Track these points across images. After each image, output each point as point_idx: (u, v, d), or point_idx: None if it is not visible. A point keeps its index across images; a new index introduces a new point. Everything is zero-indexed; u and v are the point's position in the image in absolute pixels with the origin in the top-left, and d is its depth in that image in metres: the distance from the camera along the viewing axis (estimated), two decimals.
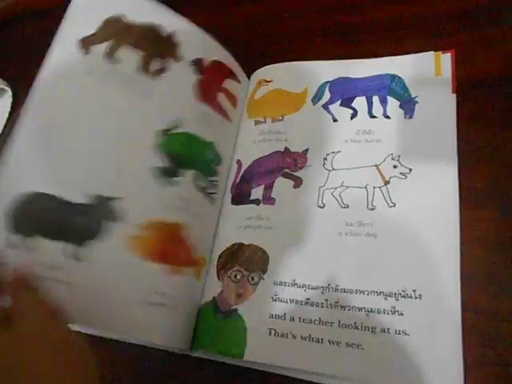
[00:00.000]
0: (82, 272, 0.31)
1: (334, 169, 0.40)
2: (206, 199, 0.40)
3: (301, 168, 0.41)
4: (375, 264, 0.35)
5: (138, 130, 0.36)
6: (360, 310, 0.33)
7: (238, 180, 0.43)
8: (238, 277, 0.38)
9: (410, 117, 0.40)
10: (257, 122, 0.45)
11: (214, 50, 0.43)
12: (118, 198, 0.34)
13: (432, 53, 0.42)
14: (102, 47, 0.35)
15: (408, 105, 0.40)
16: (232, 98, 0.45)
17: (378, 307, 0.33)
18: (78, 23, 0.36)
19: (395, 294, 0.33)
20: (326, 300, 0.35)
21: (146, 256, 0.34)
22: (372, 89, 0.43)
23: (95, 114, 0.35)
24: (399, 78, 0.42)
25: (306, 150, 0.41)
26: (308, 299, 0.35)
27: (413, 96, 0.41)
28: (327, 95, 0.44)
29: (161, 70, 0.37)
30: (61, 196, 0.32)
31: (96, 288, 0.32)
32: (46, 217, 0.32)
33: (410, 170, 0.37)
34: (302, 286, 0.36)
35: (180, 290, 0.37)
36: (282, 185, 0.40)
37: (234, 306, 0.36)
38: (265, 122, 0.44)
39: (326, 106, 0.43)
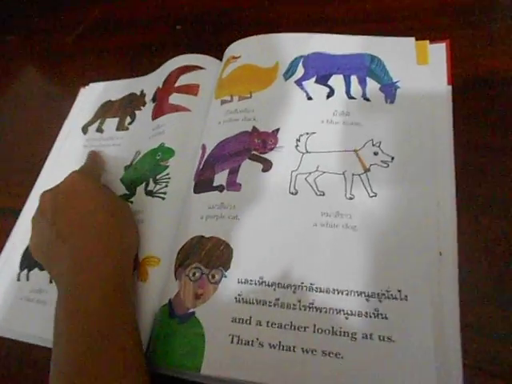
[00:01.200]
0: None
1: (308, 151, 0.35)
2: (154, 199, 0.38)
3: (270, 150, 0.36)
4: (354, 260, 0.30)
5: (111, 173, 0.43)
6: (338, 312, 0.29)
7: (201, 166, 0.37)
8: (197, 275, 0.32)
9: (392, 102, 0.36)
10: (223, 102, 0.39)
11: (164, 73, 0.46)
12: None
13: (412, 39, 0.39)
14: (95, 125, 0.48)
15: (389, 88, 0.37)
16: (190, 89, 0.43)
17: (359, 309, 0.29)
18: (80, 117, 0.50)
19: (378, 294, 0.29)
20: (299, 301, 0.30)
21: None
22: (350, 67, 0.39)
23: None
24: (379, 59, 0.38)
25: (277, 130, 0.36)
26: (277, 300, 0.30)
27: (394, 80, 0.37)
28: (301, 71, 0.39)
29: (131, 121, 0.47)
30: None
31: None
32: None
33: (392, 158, 0.34)
34: (271, 285, 0.31)
35: None
36: (248, 168, 0.35)
37: (192, 309, 0.31)
38: (231, 100, 0.39)
39: (299, 82, 0.38)
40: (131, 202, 0.39)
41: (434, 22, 0.42)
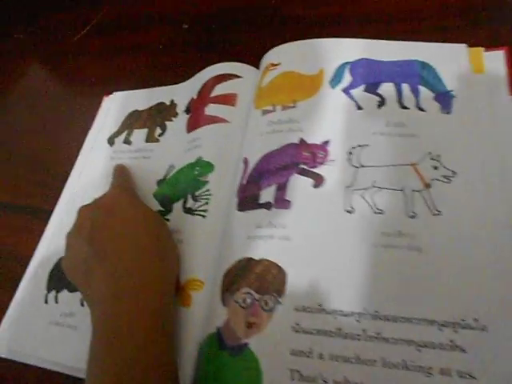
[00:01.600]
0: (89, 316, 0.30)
1: (362, 165, 0.33)
2: (195, 217, 0.35)
3: (321, 163, 0.33)
4: (423, 285, 0.28)
5: (141, 188, 0.40)
6: (409, 343, 0.26)
7: (244, 181, 0.34)
8: (248, 301, 0.29)
9: (448, 112, 0.34)
10: (264, 112, 0.37)
11: (199, 83, 0.44)
12: None
13: (464, 46, 0.37)
14: (122, 136, 0.46)
15: (444, 98, 0.35)
16: (227, 99, 0.41)
17: (432, 340, 0.26)
18: (105, 127, 0.47)
19: (452, 323, 0.26)
20: (364, 330, 0.27)
21: None
22: (400, 75, 0.36)
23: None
24: (430, 66, 0.36)
25: (327, 142, 0.34)
26: (340, 329, 0.27)
27: (448, 89, 0.35)
28: (347, 78, 0.37)
29: (162, 133, 0.44)
30: None
31: None
32: None
33: (454, 173, 0.31)
34: (331, 313, 0.28)
35: None
36: (298, 184, 0.33)
37: (244, 340, 0.28)
38: (273, 110, 0.37)
39: (347, 91, 0.36)
40: (168, 220, 0.37)
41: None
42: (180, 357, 0.30)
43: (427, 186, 0.31)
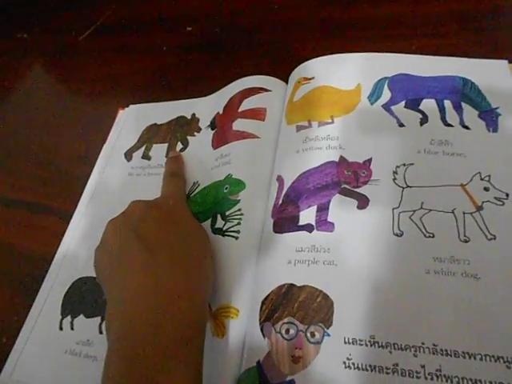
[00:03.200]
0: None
1: (408, 186, 0.31)
2: (226, 239, 0.33)
3: (364, 183, 0.31)
4: (484, 315, 0.26)
5: None
6: (475, 382, 0.24)
7: (280, 201, 0.32)
8: (292, 332, 0.27)
9: (495, 130, 0.32)
10: (299, 128, 0.35)
11: (224, 98, 0.42)
12: None
13: (505, 62, 0.36)
14: (140, 151, 0.44)
15: (489, 116, 0.33)
16: (256, 113, 0.39)
17: (500, 380, 0.24)
18: (122, 141, 0.45)
19: None
20: (423, 367, 0.25)
21: None
22: (442, 91, 0.35)
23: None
24: (472, 83, 0.35)
25: (369, 161, 0.32)
26: (396, 365, 0.25)
27: (493, 106, 0.33)
28: (387, 94, 0.35)
29: (184, 148, 0.42)
30: None
31: None
32: (90, 297, 0.35)
33: (508, 195, 0.29)
34: (386, 346, 0.26)
35: None
36: (341, 205, 0.31)
37: (290, 377, 0.26)
38: (309, 126, 0.35)
39: (387, 107, 0.34)
40: None
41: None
42: None
43: (479, 208, 0.29)
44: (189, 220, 0.32)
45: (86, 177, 0.43)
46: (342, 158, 0.32)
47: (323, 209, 0.31)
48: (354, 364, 0.25)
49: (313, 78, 0.37)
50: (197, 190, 0.37)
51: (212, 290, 0.30)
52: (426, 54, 0.37)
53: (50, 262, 0.38)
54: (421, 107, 0.34)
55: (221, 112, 0.41)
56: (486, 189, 0.30)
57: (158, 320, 0.24)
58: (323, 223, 0.30)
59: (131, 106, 0.48)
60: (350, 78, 0.36)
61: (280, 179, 0.33)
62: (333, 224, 0.30)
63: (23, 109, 0.55)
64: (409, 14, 0.45)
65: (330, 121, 0.34)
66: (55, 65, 0.60)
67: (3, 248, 0.42)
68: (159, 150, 0.42)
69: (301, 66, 0.39)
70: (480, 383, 0.24)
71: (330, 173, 0.32)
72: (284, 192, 0.33)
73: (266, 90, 0.39)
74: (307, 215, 0.31)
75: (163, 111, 0.45)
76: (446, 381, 0.24)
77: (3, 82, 0.59)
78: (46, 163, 0.48)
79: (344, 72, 0.37)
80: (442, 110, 0.34)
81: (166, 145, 0.43)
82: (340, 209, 0.30)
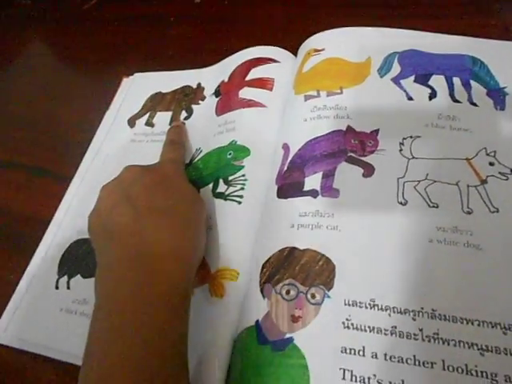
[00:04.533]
0: None
1: (414, 157, 0.31)
2: (228, 203, 0.33)
3: (370, 152, 0.31)
4: (484, 284, 0.26)
5: None
6: (471, 346, 0.24)
7: (285, 167, 0.32)
8: (292, 293, 0.27)
9: (502, 108, 0.32)
10: (307, 97, 0.35)
11: (230, 67, 0.41)
12: None
13: None
14: (144, 118, 0.43)
15: (497, 94, 0.33)
16: (264, 83, 0.38)
17: (496, 344, 0.24)
18: (125, 108, 0.45)
19: None
20: (421, 330, 0.25)
21: None
22: (451, 68, 0.35)
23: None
24: (482, 62, 0.35)
25: (376, 131, 0.32)
26: (395, 327, 0.25)
27: (501, 85, 0.33)
28: (397, 68, 0.35)
29: (188, 116, 0.42)
30: None
31: None
32: (88, 258, 0.35)
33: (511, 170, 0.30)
34: (385, 309, 0.26)
35: (195, 315, 0.28)
36: (347, 172, 0.31)
37: (289, 335, 0.26)
38: (318, 95, 0.35)
39: (396, 81, 0.34)
40: None
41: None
42: (210, 351, 0.27)
43: (483, 181, 0.29)
44: (183, 185, 0.31)
45: (88, 143, 0.43)
46: (349, 127, 0.32)
47: (329, 175, 0.31)
48: (352, 324, 0.26)
49: (323, 49, 0.37)
50: (199, 156, 0.37)
51: (202, 256, 0.29)
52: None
53: (47, 224, 0.38)
54: (430, 83, 0.34)
55: (226, 80, 0.41)
56: (491, 163, 0.30)
57: (140, 279, 0.25)
58: (328, 189, 0.30)
59: (136, 74, 0.47)
60: (361, 51, 0.36)
61: (286, 147, 0.33)
62: (338, 190, 0.30)
63: (25, 76, 0.55)
64: None
65: (339, 91, 0.34)
66: (59, 33, 0.59)
67: (1, 209, 0.42)
68: (163, 118, 0.42)
69: (312, 37, 0.39)
70: (476, 346, 0.24)
71: (336, 141, 0.32)
72: (289, 159, 0.33)
73: (275, 61, 0.39)
74: (312, 181, 0.31)
75: (168, 80, 0.45)
76: (443, 343, 0.25)
77: (5, 49, 0.58)
78: (47, 129, 0.47)
79: (355, 45, 0.37)
80: (450, 86, 0.34)
81: (170, 113, 0.42)
82: (345, 176, 0.31)
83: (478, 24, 0.40)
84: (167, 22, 0.53)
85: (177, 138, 0.38)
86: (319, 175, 0.31)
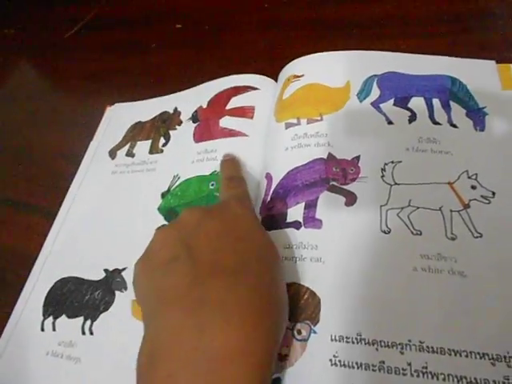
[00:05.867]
0: (93, 346, 0.31)
1: (396, 183, 0.31)
2: None
3: (352, 180, 0.31)
4: (470, 313, 0.26)
5: (145, 203, 0.38)
6: (459, 380, 0.24)
7: (268, 198, 0.32)
8: None
9: (482, 129, 0.33)
10: (288, 125, 0.35)
11: (209, 93, 0.42)
12: (125, 268, 0.34)
13: (493, 62, 0.36)
14: (125, 149, 0.43)
15: (476, 115, 0.33)
16: (245, 111, 0.39)
17: (485, 377, 0.24)
18: (107, 139, 0.44)
19: (505, 357, 0.24)
20: (409, 364, 0.25)
21: None
22: (429, 90, 0.35)
23: (114, 202, 0.39)
24: (460, 82, 0.35)
25: (357, 158, 0.32)
26: (383, 363, 0.25)
27: (480, 106, 0.34)
28: (376, 91, 0.35)
29: (166, 143, 0.42)
30: (85, 276, 0.35)
31: (102, 362, 0.31)
32: (72, 297, 0.34)
33: (494, 193, 0.29)
34: (373, 343, 0.26)
35: None
36: (329, 202, 0.31)
37: (276, 374, 0.25)
38: (298, 123, 0.35)
39: (376, 105, 0.34)
40: None
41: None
42: None
43: (466, 206, 0.29)
44: (254, 230, 0.26)
45: (72, 175, 0.43)
46: (330, 154, 0.32)
47: (311, 206, 0.30)
48: (340, 361, 0.25)
49: (302, 75, 0.37)
50: (177, 183, 0.37)
51: (279, 344, 0.23)
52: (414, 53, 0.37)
53: (33, 262, 0.37)
54: (409, 105, 0.34)
55: (204, 106, 0.40)
56: (473, 187, 0.30)
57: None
58: (311, 220, 0.30)
59: (116, 105, 0.47)
60: (340, 75, 0.36)
61: (268, 176, 0.33)
62: (321, 221, 0.30)
63: (8, 106, 0.55)
64: (397, 13, 0.45)
65: (319, 118, 0.34)
66: (41, 62, 0.59)
67: None
68: (143, 147, 0.42)
69: (291, 63, 0.39)
70: (465, 379, 0.24)
71: (318, 170, 0.32)
72: (272, 189, 0.32)
73: (254, 89, 0.39)
74: (295, 212, 0.31)
75: (147, 108, 0.45)
76: (432, 377, 0.24)
77: None
78: (31, 161, 0.47)
79: (333, 70, 0.37)
80: (430, 108, 0.34)
81: (150, 141, 0.42)
82: (328, 206, 0.30)
83: (454, 42, 0.40)
84: (148, 49, 0.53)
85: (235, 173, 0.33)
86: (301, 206, 0.31)
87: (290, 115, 0.35)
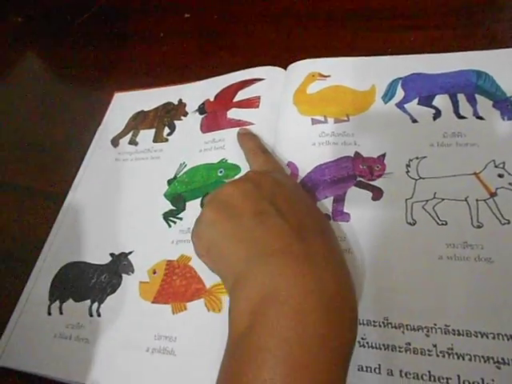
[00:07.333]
0: (100, 327, 0.33)
1: (421, 177, 0.32)
2: None
3: (378, 176, 0.33)
4: (497, 297, 0.26)
5: (150, 189, 0.40)
6: (486, 360, 0.25)
7: None
8: None
9: (509, 118, 0.33)
10: (315, 121, 0.37)
11: (216, 87, 0.44)
12: (132, 251, 0.36)
13: None
14: (127, 137, 0.45)
15: (504, 104, 0.34)
16: (250, 103, 0.41)
17: None
18: (110, 129, 0.46)
19: None
20: (435, 346, 0.26)
21: (153, 299, 0.33)
22: (454, 86, 0.36)
23: (118, 188, 0.41)
24: (487, 74, 0.36)
25: (383, 156, 0.34)
26: (409, 344, 0.26)
27: (508, 95, 0.34)
28: (400, 93, 0.37)
29: (171, 132, 0.43)
30: (90, 261, 0.37)
31: (110, 341, 0.33)
32: (79, 282, 0.36)
33: None
34: (399, 327, 0.27)
35: (191, 330, 0.31)
36: (356, 197, 0.33)
37: None
38: (325, 121, 0.37)
39: (400, 105, 0.36)
40: (180, 219, 0.36)
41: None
42: (210, 365, 0.28)
43: (493, 194, 0.30)
44: (308, 197, 0.30)
45: (78, 162, 0.44)
46: (357, 153, 0.34)
47: (339, 200, 0.33)
48: (368, 343, 0.27)
49: (329, 76, 0.39)
50: (183, 170, 0.39)
51: None
52: (423, 47, 0.38)
53: (41, 246, 0.39)
54: (434, 103, 0.35)
55: (212, 99, 0.43)
56: (501, 175, 0.31)
57: (325, 331, 0.21)
58: (340, 213, 0.32)
59: (118, 94, 0.49)
60: (365, 79, 0.38)
61: (293, 165, 0.35)
62: (349, 214, 0.32)
63: (17, 93, 0.56)
64: (406, 5, 0.45)
65: (346, 118, 0.36)
66: (50, 49, 0.60)
67: None
68: (146, 136, 0.44)
69: (317, 60, 0.41)
70: (492, 360, 0.25)
71: (345, 167, 0.34)
72: (299, 180, 0.35)
73: (260, 80, 0.42)
74: (324, 206, 0.33)
75: (150, 98, 0.46)
76: (458, 358, 0.25)
77: None
78: (39, 148, 0.49)
79: (359, 74, 0.39)
80: (455, 103, 0.35)
81: (154, 130, 0.44)
82: (356, 200, 0.32)
83: (464, 35, 0.40)
84: (156, 38, 0.54)
85: (260, 144, 0.36)
86: (330, 200, 0.33)
87: (316, 112, 0.38)
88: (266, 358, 0.20)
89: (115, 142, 0.45)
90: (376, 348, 0.27)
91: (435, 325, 0.26)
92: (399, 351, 0.26)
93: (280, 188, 0.28)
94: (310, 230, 0.25)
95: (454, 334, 0.26)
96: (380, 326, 0.27)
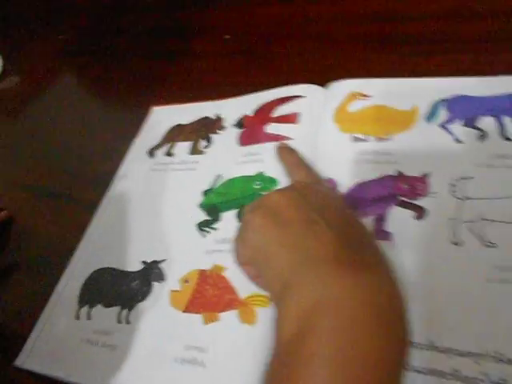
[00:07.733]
0: (129, 334, 0.33)
1: (468, 198, 0.31)
2: None
3: (420, 195, 0.32)
4: None
5: (185, 199, 0.40)
6: None
7: None
8: None
9: None
10: (356, 139, 0.37)
11: (254, 103, 0.44)
12: (164, 260, 0.36)
13: None
14: (164, 149, 0.46)
15: None
16: (289, 118, 0.41)
17: None
18: (146, 141, 0.47)
19: None
20: (486, 375, 0.24)
21: (185, 308, 0.33)
22: (500, 108, 0.35)
23: (153, 197, 0.42)
24: None
25: (426, 175, 0.33)
26: (456, 371, 0.25)
27: None
28: (444, 114, 0.36)
29: (207, 145, 0.44)
30: (122, 268, 0.37)
31: (138, 349, 0.32)
32: (109, 287, 0.36)
33: None
34: (446, 351, 0.25)
35: (222, 341, 0.30)
36: (398, 216, 0.32)
37: None
38: (366, 140, 0.37)
39: (444, 126, 0.35)
40: (215, 229, 0.36)
41: None
42: (242, 379, 0.28)
43: None
44: (349, 210, 0.29)
45: (114, 172, 0.45)
46: (399, 172, 0.34)
47: (381, 219, 0.32)
48: (412, 367, 0.25)
49: (371, 96, 0.39)
50: (220, 182, 0.39)
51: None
52: (461, 70, 0.38)
53: (73, 252, 0.39)
54: (478, 125, 0.35)
55: (250, 114, 0.44)
56: None
57: (382, 343, 0.20)
58: (382, 233, 0.31)
59: (155, 108, 0.50)
60: (408, 100, 0.38)
61: (332, 182, 0.35)
62: (390, 233, 0.31)
63: (56, 106, 0.59)
64: (442, 30, 0.45)
65: (387, 138, 0.36)
66: (91, 65, 0.63)
67: (30, 235, 0.44)
68: (182, 148, 0.44)
69: (359, 81, 0.41)
70: None
71: (387, 185, 0.33)
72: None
73: (299, 97, 0.42)
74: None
75: (187, 112, 0.47)
76: None
77: (40, 81, 0.63)
78: (77, 158, 0.50)
79: (401, 95, 0.38)
80: (501, 125, 0.34)
81: (190, 143, 0.45)
82: (398, 219, 0.31)
83: (503, 60, 0.40)
84: (195, 56, 0.56)
85: (300, 158, 0.36)
86: (371, 218, 0.32)
87: (357, 130, 0.38)
88: (320, 366, 0.19)
89: (151, 153, 0.46)
90: (421, 373, 0.25)
91: (486, 352, 0.25)
92: (448, 378, 0.25)
93: (326, 200, 0.28)
94: (360, 243, 0.25)
95: (507, 363, 0.24)
96: (425, 349, 0.26)
